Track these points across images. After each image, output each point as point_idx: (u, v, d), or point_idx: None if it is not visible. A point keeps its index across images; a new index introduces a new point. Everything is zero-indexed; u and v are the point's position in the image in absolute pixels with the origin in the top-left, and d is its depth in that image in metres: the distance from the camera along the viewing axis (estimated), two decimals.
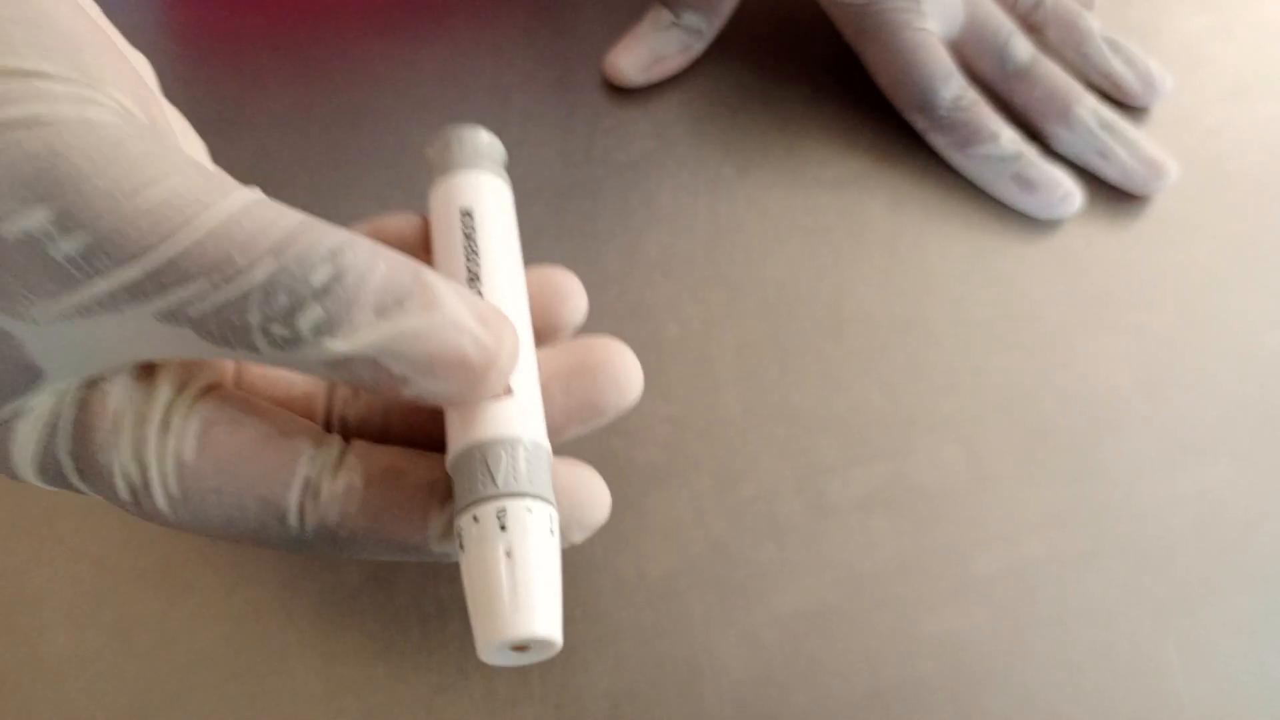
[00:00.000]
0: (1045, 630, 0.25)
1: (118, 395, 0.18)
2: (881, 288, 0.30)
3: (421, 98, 0.34)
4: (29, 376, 0.17)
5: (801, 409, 0.28)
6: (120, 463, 0.18)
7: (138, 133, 0.16)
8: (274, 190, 0.31)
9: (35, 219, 0.15)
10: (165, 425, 0.18)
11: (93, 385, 0.18)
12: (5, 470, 0.18)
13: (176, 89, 0.32)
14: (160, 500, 0.18)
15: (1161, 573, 0.26)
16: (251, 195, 0.17)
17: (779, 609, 0.26)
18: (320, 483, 0.19)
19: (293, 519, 0.19)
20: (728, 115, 0.34)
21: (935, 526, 0.27)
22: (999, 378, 0.29)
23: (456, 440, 0.19)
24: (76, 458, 0.18)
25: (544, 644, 0.17)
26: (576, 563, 0.26)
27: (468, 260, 0.21)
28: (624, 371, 0.21)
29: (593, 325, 0.29)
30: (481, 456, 0.18)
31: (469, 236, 0.21)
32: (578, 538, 0.21)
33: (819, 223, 0.32)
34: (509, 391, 0.19)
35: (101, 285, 0.15)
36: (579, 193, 0.32)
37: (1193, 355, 0.29)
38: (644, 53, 0.33)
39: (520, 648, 0.17)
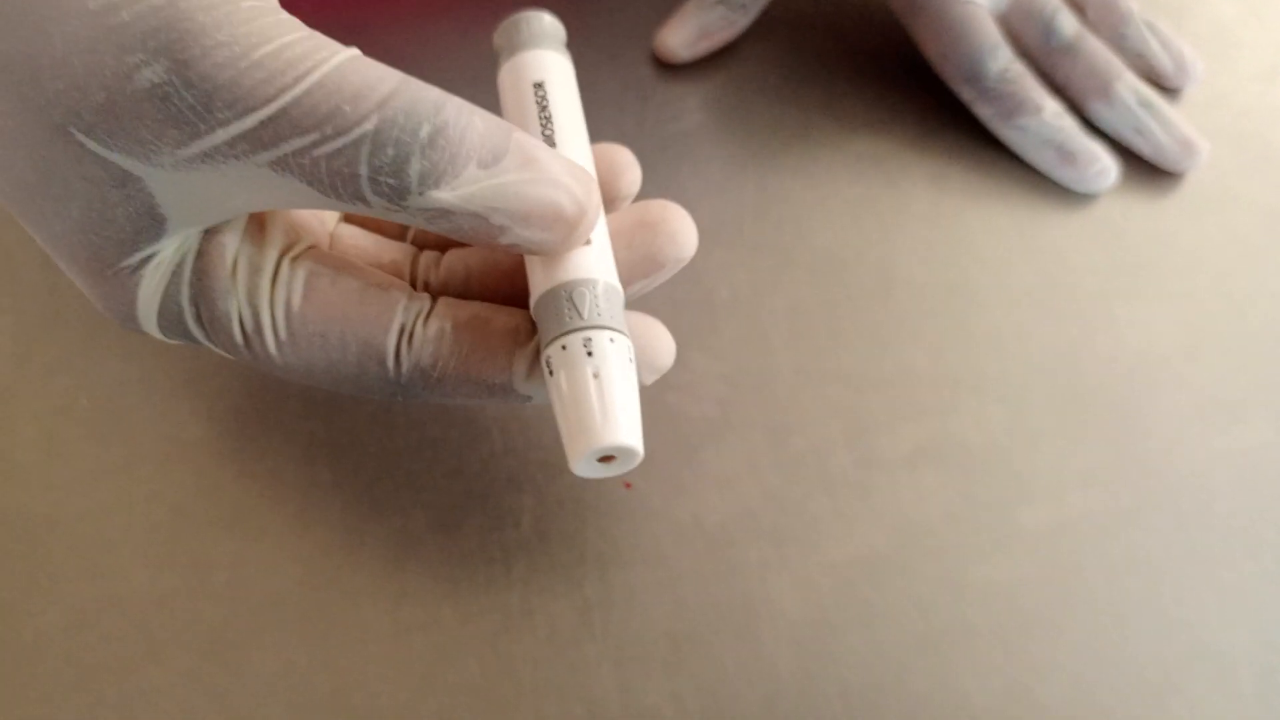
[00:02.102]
0: (1089, 580, 0.26)
1: (233, 247, 0.20)
2: (925, 255, 0.31)
3: (474, 75, 0.35)
4: (155, 224, 0.18)
5: (850, 369, 0.29)
6: (237, 307, 0.20)
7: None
8: None
9: (160, 71, 0.16)
10: (275, 275, 0.20)
11: (210, 238, 0.19)
12: (129, 321, 0.20)
13: None
14: (270, 343, 0.20)
15: (1201, 527, 0.27)
16: (354, 53, 0.18)
17: (832, 556, 0.27)
18: (414, 328, 0.20)
19: (390, 361, 0.20)
20: (774, 90, 0.35)
21: (980, 481, 0.28)
22: (1041, 341, 0.30)
23: (541, 284, 0.21)
24: (196, 303, 0.20)
25: (628, 453, 0.19)
26: (636, 511, 0.27)
27: (542, 127, 0.23)
28: (680, 226, 0.23)
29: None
30: (567, 295, 0.20)
31: (542, 106, 0.23)
32: (648, 379, 0.22)
33: (864, 193, 0.33)
34: (588, 241, 0.21)
35: (220, 134, 0.17)
36: None
37: (1228, 320, 0.30)
38: (691, 29, 0.34)
39: (607, 458, 0.19)
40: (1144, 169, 0.33)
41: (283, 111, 0.17)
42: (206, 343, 0.21)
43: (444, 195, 0.18)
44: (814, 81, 0.35)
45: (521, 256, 0.22)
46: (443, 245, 0.24)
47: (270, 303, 0.20)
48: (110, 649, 0.25)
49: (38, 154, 0.17)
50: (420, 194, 0.17)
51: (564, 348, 0.19)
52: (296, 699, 0.25)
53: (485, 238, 0.19)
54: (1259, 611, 0.26)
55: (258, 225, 0.20)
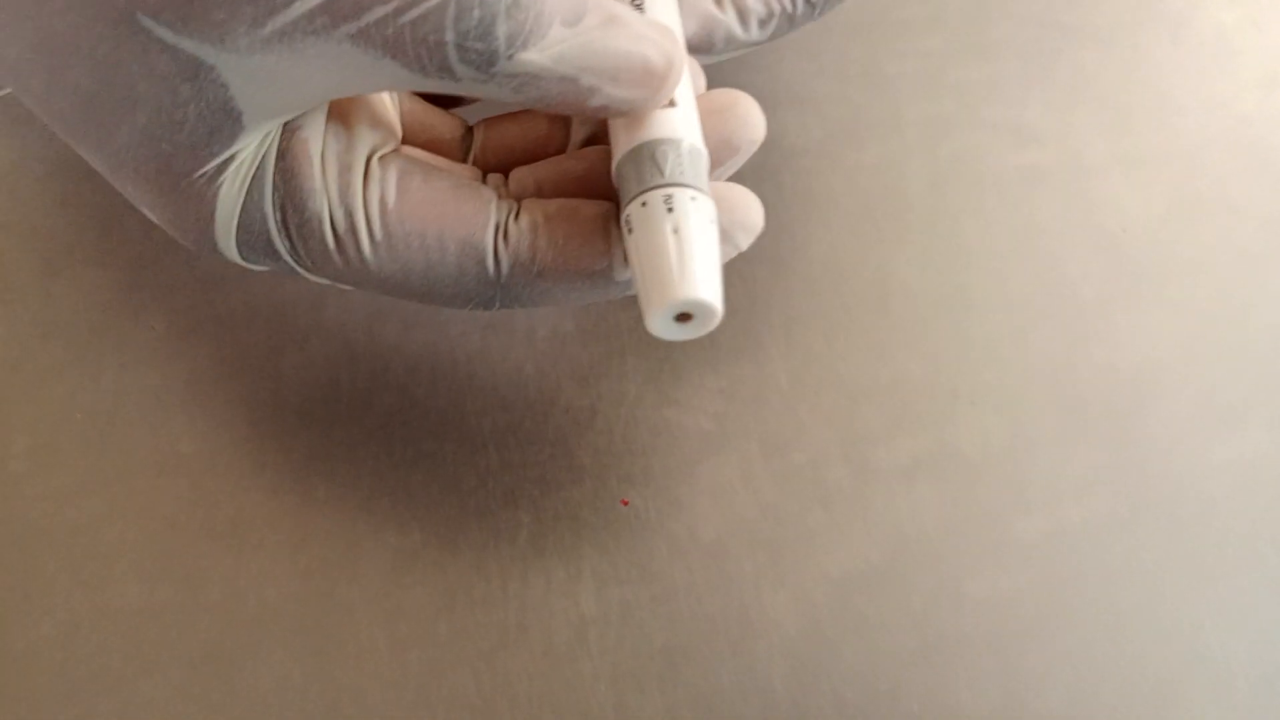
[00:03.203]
0: (1085, 591, 0.26)
1: (319, 145, 0.18)
2: (923, 264, 0.31)
3: None
4: (230, 121, 0.17)
5: (847, 380, 0.29)
6: (328, 207, 0.18)
7: None
8: None
9: None
10: (366, 174, 0.19)
11: (292, 135, 0.18)
12: (205, 242, 0.19)
13: None
14: (365, 245, 0.19)
15: (1199, 537, 0.27)
16: None
17: (828, 569, 0.26)
18: (508, 224, 0.20)
19: (490, 259, 0.20)
20: (769, 98, 0.35)
21: (977, 492, 0.28)
22: (1038, 350, 0.30)
23: (623, 144, 0.20)
24: (283, 208, 0.18)
25: (707, 311, 0.18)
26: (632, 526, 0.27)
27: None
28: (751, 110, 0.23)
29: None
30: (650, 153, 0.20)
31: None
32: (744, 241, 0.22)
33: (861, 203, 0.32)
34: (672, 103, 0.20)
35: (299, 6, 0.15)
36: None
37: (1228, 328, 0.30)
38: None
39: (684, 317, 0.18)
40: (1143, 177, 0.33)
41: None
42: (290, 259, 0.19)
43: (533, 57, 0.17)
44: (808, 96, 0.35)
45: (590, 165, 0.22)
46: (505, 168, 0.23)
47: (364, 201, 0.19)
48: (103, 662, 0.25)
49: (98, 53, 0.16)
50: (509, 57, 0.17)
51: (644, 204, 0.19)
52: (291, 714, 0.24)
53: (574, 101, 0.18)
54: (1258, 622, 0.26)
55: (341, 122, 0.19)
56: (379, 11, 0.16)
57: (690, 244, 0.18)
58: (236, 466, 0.27)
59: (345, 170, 0.19)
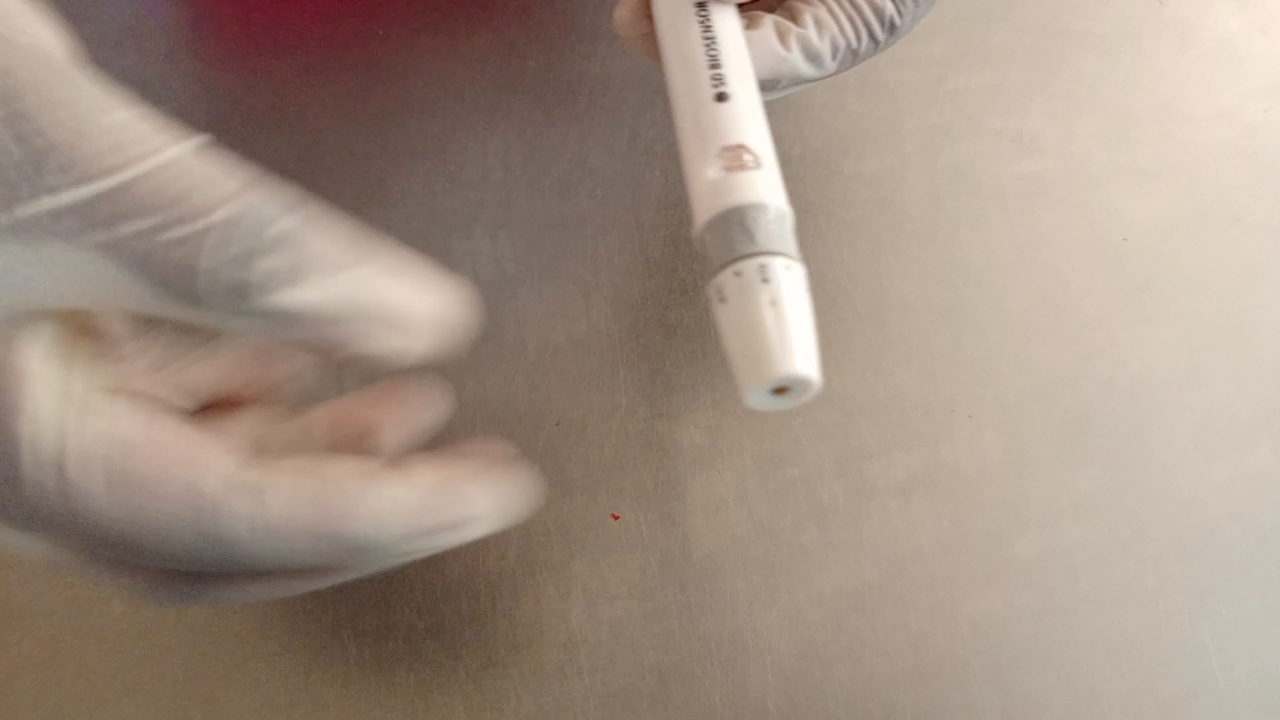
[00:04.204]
0: (1083, 612, 0.26)
1: (32, 362, 0.16)
2: (920, 277, 0.31)
3: (464, 89, 0.34)
4: None
5: (842, 394, 0.29)
6: (37, 428, 0.16)
7: (83, 66, 0.15)
8: (323, 177, 0.32)
9: None
10: (98, 404, 0.16)
11: (5, 344, 0.16)
12: None
13: (228, 79, 0.33)
14: (75, 475, 0.16)
15: (1199, 558, 0.27)
16: (207, 139, 0.16)
17: (822, 588, 0.26)
18: (245, 475, 0.17)
19: (209, 513, 0.17)
20: (767, 111, 0.34)
21: (974, 510, 0.27)
22: (1037, 365, 0.29)
23: (708, 208, 0.19)
24: None
25: (805, 384, 0.18)
26: (623, 542, 0.27)
27: (706, 47, 0.22)
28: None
29: (640, 310, 0.29)
30: (739, 218, 0.19)
31: (706, 27, 0.22)
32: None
33: (858, 214, 0.32)
34: (759, 165, 0.20)
35: (47, 203, 0.14)
36: (623, 182, 0.32)
37: (1231, 345, 0.30)
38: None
39: (781, 390, 0.18)
40: (1144, 187, 0.32)
41: (126, 187, 0.14)
42: None
43: (294, 296, 0.15)
44: (807, 100, 0.34)
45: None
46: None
47: (86, 431, 0.16)
48: (86, 682, 0.25)
49: None
50: (264, 296, 0.15)
51: (737, 274, 0.18)
52: None
53: (334, 346, 0.16)
54: (1263, 644, 0.25)
55: (58, 350, 0.17)
56: (136, 225, 0.15)
57: (788, 316, 0.18)
58: None
59: (70, 399, 0.16)
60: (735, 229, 0.19)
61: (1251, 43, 0.35)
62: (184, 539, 0.17)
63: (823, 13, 0.25)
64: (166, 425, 0.17)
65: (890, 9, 0.25)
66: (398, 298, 0.16)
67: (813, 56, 0.25)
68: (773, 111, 0.33)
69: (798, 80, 0.25)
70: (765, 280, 0.18)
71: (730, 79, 0.22)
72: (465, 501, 0.19)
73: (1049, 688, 0.25)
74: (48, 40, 0.15)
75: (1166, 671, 0.25)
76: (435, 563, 0.26)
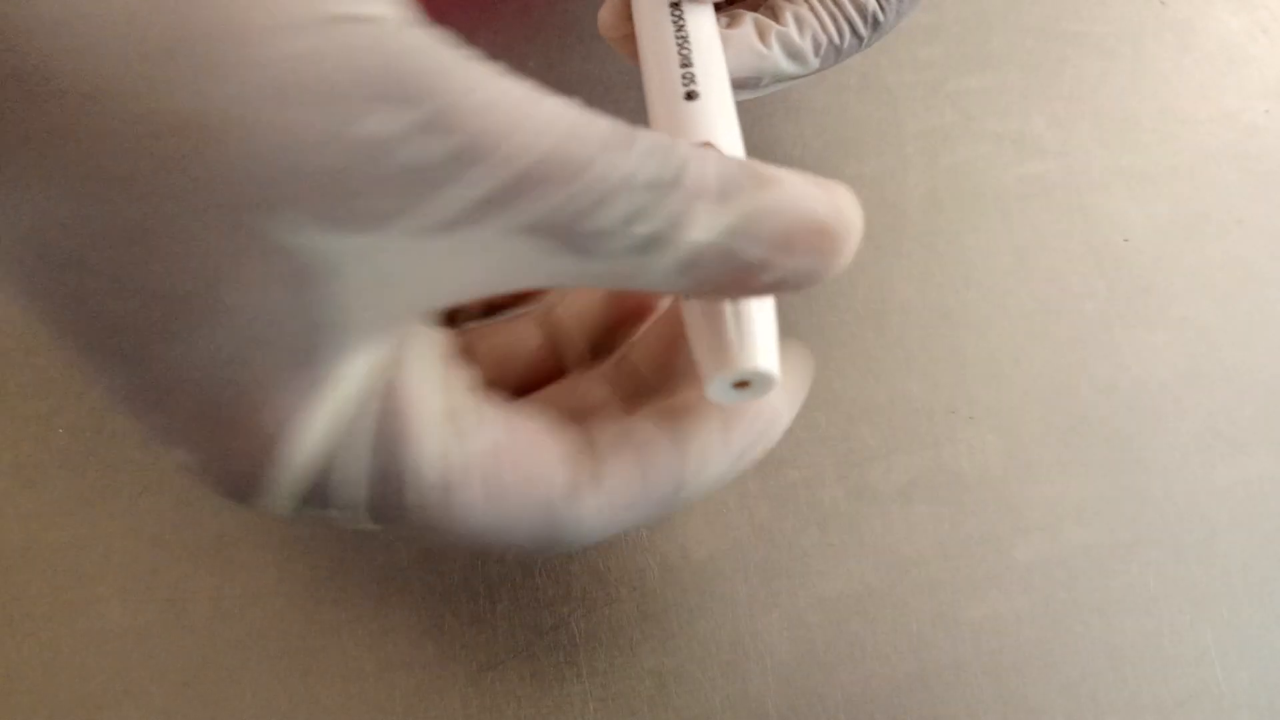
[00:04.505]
0: (1085, 617, 0.26)
1: (424, 384, 0.16)
2: (921, 279, 0.31)
3: None
4: (333, 339, 0.14)
5: (843, 397, 0.29)
6: (439, 452, 0.16)
7: (447, 39, 0.15)
8: None
9: (394, 121, 0.13)
10: (476, 416, 0.16)
11: (396, 370, 0.15)
12: (249, 487, 0.15)
13: None
14: (474, 494, 0.16)
15: (1200, 562, 0.26)
16: (576, 100, 0.15)
17: (822, 591, 0.26)
18: (590, 466, 0.18)
19: (569, 518, 0.17)
20: (766, 113, 0.34)
21: (975, 514, 0.27)
22: (1038, 369, 0.29)
23: None
24: (380, 454, 0.15)
25: (765, 379, 0.18)
26: (623, 544, 0.26)
27: (679, 46, 0.22)
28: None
29: None
30: None
31: (679, 27, 0.22)
32: None
33: None
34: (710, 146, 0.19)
35: (470, 194, 0.14)
36: None
37: (1232, 348, 0.30)
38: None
39: (742, 384, 0.18)
40: (1146, 191, 0.32)
41: (540, 162, 0.14)
42: (363, 512, 0.16)
43: (696, 234, 0.15)
44: (806, 104, 0.34)
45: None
46: (502, 381, 0.21)
47: (469, 450, 0.16)
48: (85, 686, 0.25)
49: (202, 252, 0.13)
50: (675, 237, 0.15)
51: None
52: None
53: (743, 279, 0.16)
54: (1260, 651, 0.25)
55: (439, 359, 0.17)
56: (550, 200, 0.14)
57: (749, 312, 0.18)
58: None
59: (456, 414, 0.16)
60: None
61: (1253, 44, 0.35)
62: (535, 538, 0.17)
63: (804, 10, 0.25)
64: (521, 428, 0.17)
65: (873, 5, 0.25)
66: (787, 216, 0.16)
67: (794, 54, 0.25)
68: (772, 113, 0.34)
69: (780, 78, 0.25)
70: None
71: (701, 78, 0.22)
72: (768, 412, 0.19)
73: (1050, 692, 0.25)
74: (393, 11, 0.14)
75: (1168, 676, 0.25)
76: (434, 564, 0.26)
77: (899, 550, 0.27)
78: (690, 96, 0.21)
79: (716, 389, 0.18)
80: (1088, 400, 0.29)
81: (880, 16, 0.25)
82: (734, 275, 0.16)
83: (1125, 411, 0.28)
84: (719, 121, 0.21)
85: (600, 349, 0.21)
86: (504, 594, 0.26)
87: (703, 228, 0.15)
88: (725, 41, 0.24)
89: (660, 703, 0.25)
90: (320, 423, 0.15)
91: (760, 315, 0.18)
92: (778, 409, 0.19)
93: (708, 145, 0.20)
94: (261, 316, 0.14)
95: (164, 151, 0.13)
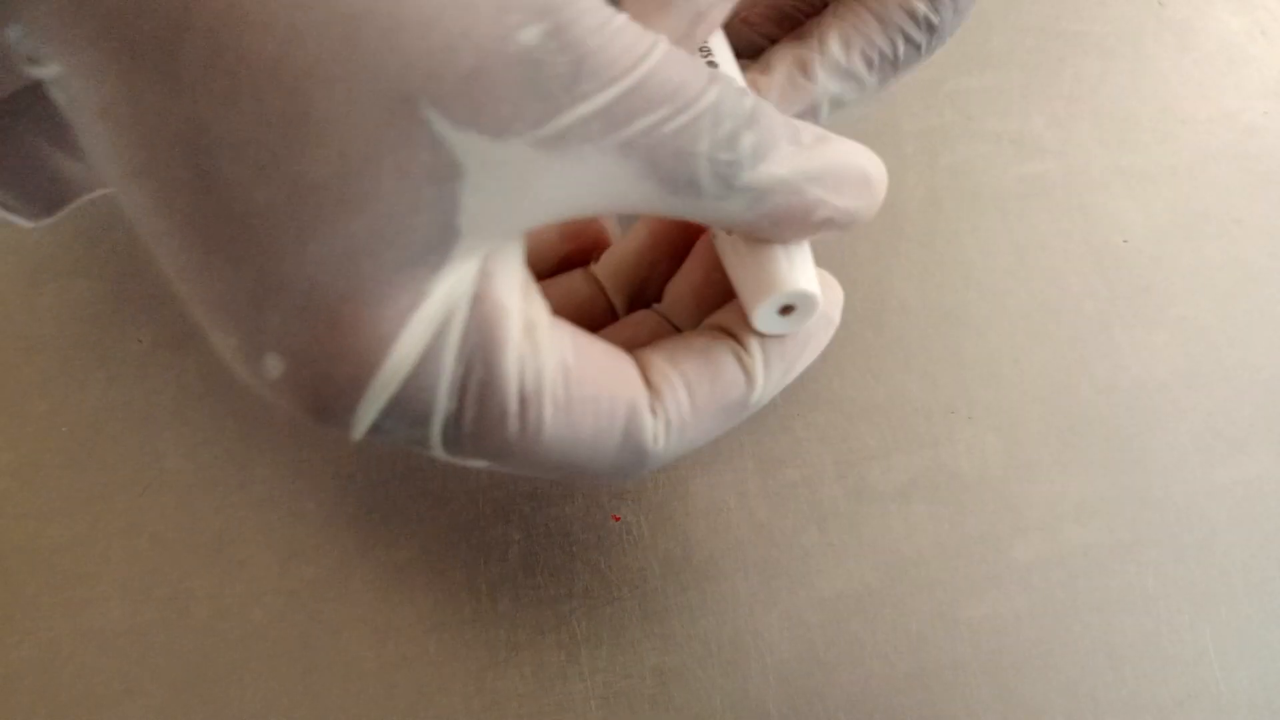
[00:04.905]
0: (1084, 617, 0.26)
1: (513, 297, 0.16)
2: (920, 279, 0.31)
3: None
4: (449, 240, 0.15)
5: (842, 397, 0.29)
6: (520, 364, 0.16)
7: None
8: None
9: (539, 33, 0.14)
10: (550, 330, 0.17)
11: (488, 280, 0.16)
12: (342, 399, 0.15)
13: None
14: (548, 409, 0.17)
15: (1200, 562, 0.27)
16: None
17: (822, 591, 0.26)
18: (651, 385, 0.19)
19: (649, 428, 0.18)
20: None
21: (974, 513, 0.27)
22: (1038, 368, 0.29)
23: None
24: (470, 362, 0.16)
25: (810, 302, 0.19)
26: (624, 543, 0.26)
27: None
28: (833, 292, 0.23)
29: None
30: None
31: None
32: (836, 316, 0.22)
33: None
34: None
35: (583, 109, 0.15)
36: None
37: (1231, 348, 0.30)
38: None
39: (786, 309, 0.19)
40: (1144, 190, 0.32)
41: (640, 84, 0.15)
42: (443, 428, 0.16)
43: (771, 169, 0.17)
44: None
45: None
46: None
47: (551, 357, 0.17)
48: (86, 684, 0.25)
49: (356, 139, 0.14)
50: (752, 169, 0.17)
51: None
52: None
53: (800, 215, 0.18)
54: (1259, 650, 0.25)
55: (523, 279, 0.17)
56: (647, 120, 0.15)
57: (797, 245, 0.19)
58: (223, 482, 0.27)
59: (532, 327, 0.17)
60: None
61: (1252, 44, 0.35)
62: (621, 459, 0.18)
63: (848, 28, 0.25)
64: (588, 349, 0.18)
65: (922, 8, 0.24)
66: (843, 163, 0.18)
67: (845, 75, 0.25)
68: None
69: (840, 102, 0.25)
70: None
71: (716, 52, 0.22)
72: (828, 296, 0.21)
73: (1049, 692, 0.25)
74: None
75: (1167, 676, 0.25)
76: (437, 563, 0.26)
77: (898, 550, 0.27)
78: (711, 66, 0.22)
79: (764, 314, 0.19)
80: (1087, 400, 0.29)
81: (933, 18, 0.25)
82: (796, 211, 0.18)
83: (1124, 411, 0.29)
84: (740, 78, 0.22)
85: (636, 303, 0.23)
86: (505, 592, 0.26)
87: (781, 164, 0.17)
88: (763, 89, 0.24)
89: (661, 701, 0.25)
90: (418, 326, 0.15)
91: (807, 250, 0.20)
92: (826, 313, 0.21)
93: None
94: (400, 208, 0.14)
95: (339, 39, 0.13)
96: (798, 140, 0.17)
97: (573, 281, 0.23)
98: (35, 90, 0.16)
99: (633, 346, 0.20)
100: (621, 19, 0.15)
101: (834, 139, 0.18)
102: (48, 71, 0.14)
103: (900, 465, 0.28)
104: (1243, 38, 0.36)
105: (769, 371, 0.20)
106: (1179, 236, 0.32)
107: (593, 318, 0.22)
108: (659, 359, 0.19)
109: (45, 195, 0.20)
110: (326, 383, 0.15)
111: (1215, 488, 0.27)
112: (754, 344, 0.20)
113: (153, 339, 0.29)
